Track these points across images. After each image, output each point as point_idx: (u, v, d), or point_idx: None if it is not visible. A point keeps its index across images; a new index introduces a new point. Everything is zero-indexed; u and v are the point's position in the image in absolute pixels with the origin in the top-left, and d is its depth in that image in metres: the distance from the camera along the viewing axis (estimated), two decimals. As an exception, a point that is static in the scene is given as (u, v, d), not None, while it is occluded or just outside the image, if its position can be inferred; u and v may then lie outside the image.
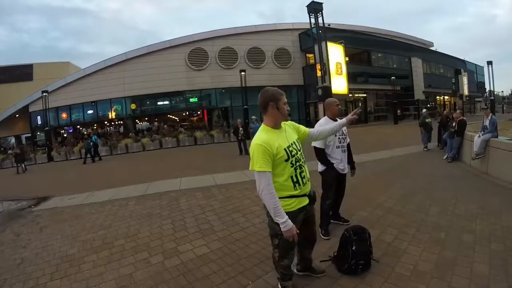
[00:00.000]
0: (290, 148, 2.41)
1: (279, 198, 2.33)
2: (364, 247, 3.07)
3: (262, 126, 2.49)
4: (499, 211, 4.54)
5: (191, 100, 27.63)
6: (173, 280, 3.26)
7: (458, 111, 10.15)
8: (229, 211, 5.50)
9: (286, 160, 2.36)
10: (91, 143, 18.91)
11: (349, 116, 3.04)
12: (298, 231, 2.35)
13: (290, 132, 2.57)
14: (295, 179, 2.41)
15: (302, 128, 2.78)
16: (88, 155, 18.72)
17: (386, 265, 3.17)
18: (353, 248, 3.01)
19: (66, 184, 10.87)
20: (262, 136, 2.38)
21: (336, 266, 3.14)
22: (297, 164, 2.43)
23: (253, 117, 15.59)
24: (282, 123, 2.53)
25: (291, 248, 2.55)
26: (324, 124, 3.77)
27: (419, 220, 4.38)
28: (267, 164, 2.28)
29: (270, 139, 2.34)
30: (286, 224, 2.28)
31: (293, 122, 2.75)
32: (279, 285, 2.78)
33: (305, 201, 2.52)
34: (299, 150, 2.51)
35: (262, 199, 2.33)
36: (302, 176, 2.46)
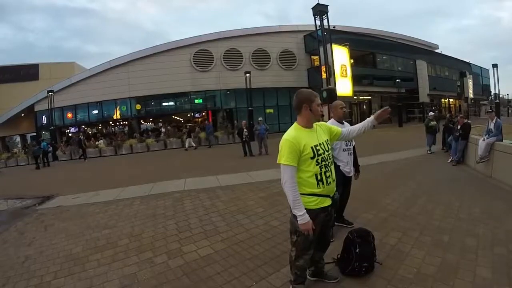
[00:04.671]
0: (318, 147, 2.47)
1: (302, 194, 2.43)
2: (367, 250, 3.07)
3: (294, 124, 2.58)
4: (503, 215, 4.52)
5: (196, 101, 27.69)
6: (176, 280, 3.27)
7: (460, 115, 10.08)
8: (233, 212, 5.51)
9: (312, 158, 2.43)
10: (41, 149, 19.22)
11: (379, 112, 2.90)
12: (314, 227, 2.42)
13: (321, 132, 2.62)
14: (319, 178, 2.46)
15: (335, 129, 2.81)
16: (44, 160, 19.20)
17: (389, 267, 3.17)
18: (357, 250, 3.01)
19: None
20: (292, 132, 2.49)
21: (340, 268, 3.14)
22: (323, 163, 2.48)
23: (260, 118, 15.64)
24: (314, 123, 2.60)
25: (308, 248, 2.58)
26: None
27: (423, 223, 4.38)
28: (292, 159, 2.38)
29: (299, 136, 2.45)
30: (303, 217, 2.37)
31: (326, 123, 2.83)
32: None
33: (328, 201, 2.55)
34: (327, 151, 2.55)
35: (284, 191, 2.43)
36: (327, 176, 2.50)
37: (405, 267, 3.17)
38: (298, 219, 2.38)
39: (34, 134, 30.42)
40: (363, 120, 3.00)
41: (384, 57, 33.22)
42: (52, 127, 24.41)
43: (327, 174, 2.50)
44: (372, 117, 2.91)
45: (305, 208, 2.40)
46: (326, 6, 23.19)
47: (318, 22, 23.34)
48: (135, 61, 25.75)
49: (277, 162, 2.44)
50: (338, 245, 3.35)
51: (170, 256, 3.88)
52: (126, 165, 15.48)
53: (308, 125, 2.54)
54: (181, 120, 31.59)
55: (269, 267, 3.38)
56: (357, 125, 3.01)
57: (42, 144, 19.94)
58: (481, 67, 50.05)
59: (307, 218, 2.37)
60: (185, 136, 21.29)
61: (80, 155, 20.73)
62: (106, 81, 25.89)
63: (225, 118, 26.75)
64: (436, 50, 42.93)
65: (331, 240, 3.85)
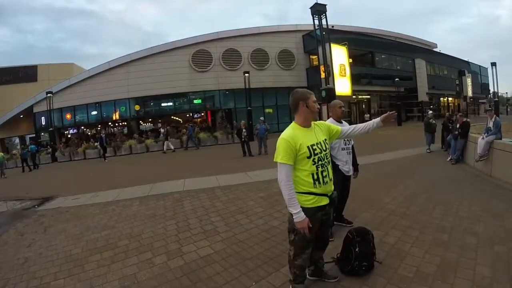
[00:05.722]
0: (314, 147, 2.48)
1: (299, 192, 2.46)
2: (367, 249, 3.07)
3: (292, 123, 2.60)
4: (502, 213, 4.52)
5: (195, 101, 27.68)
6: (176, 281, 3.27)
7: (459, 114, 10.08)
8: (233, 212, 5.51)
9: (308, 157, 2.44)
10: (28, 152, 19.33)
11: (386, 115, 2.89)
12: (310, 226, 2.43)
13: (319, 132, 2.63)
14: (315, 177, 2.47)
15: (334, 127, 2.81)
16: (31, 163, 19.19)
17: (389, 266, 3.17)
18: (357, 249, 3.01)
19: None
20: (289, 132, 2.51)
21: (339, 268, 3.14)
22: (319, 163, 2.48)
23: (261, 118, 15.72)
24: (313, 123, 2.62)
25: (305, 247, 2.59)
26: None
27: (422, 222, 4.38)
28: (288, 158, 2.41)
29: (295, 135, 2.46)
30: (298, 215, 2.40)
31: (324, 122, 2.82)
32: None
33: (325, 200, 2.55)
34: (325, 150, 2.56)
35: (280, 188, 2.45)
36: (324, 175, 2.51)
37: (405, 266, 3.18)
38: (293, 217, 2.41)
39: (33, 135, 30.40)
40: (362, 119, 3.01)
41: (382, 56, 33.25)
42: (51, 128, 24.39)
43: (324, 173, 2.51)
44: (378, 119, 2.90)
45: (302, 207, 2.42)
46: (325, 5, 23.19)
47: (316, 22, 23.33)
48: (134, 62, 25.72)
49: (274, 160, 2.46)
50: (338, 244, 3.36)
51: (170, 257, 3.88)
52: (125, 166, 15.46)
53: (305, 124, 2.55)
54: (180, 121, 31.52)
55: (268, 267, 3.38)
56: (361, 124, 3.01)
57: (30, 147, 19.97)
58: (480, 66, 50.15)
59: (302, 216, 2.39)
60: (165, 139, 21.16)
61: (101, 154, 20.14)
62: (105, 82, 25.84)
63: (224, 118, 26.74)
64: (435, 49, 42.98)
65: (331, 239, 3.86)
